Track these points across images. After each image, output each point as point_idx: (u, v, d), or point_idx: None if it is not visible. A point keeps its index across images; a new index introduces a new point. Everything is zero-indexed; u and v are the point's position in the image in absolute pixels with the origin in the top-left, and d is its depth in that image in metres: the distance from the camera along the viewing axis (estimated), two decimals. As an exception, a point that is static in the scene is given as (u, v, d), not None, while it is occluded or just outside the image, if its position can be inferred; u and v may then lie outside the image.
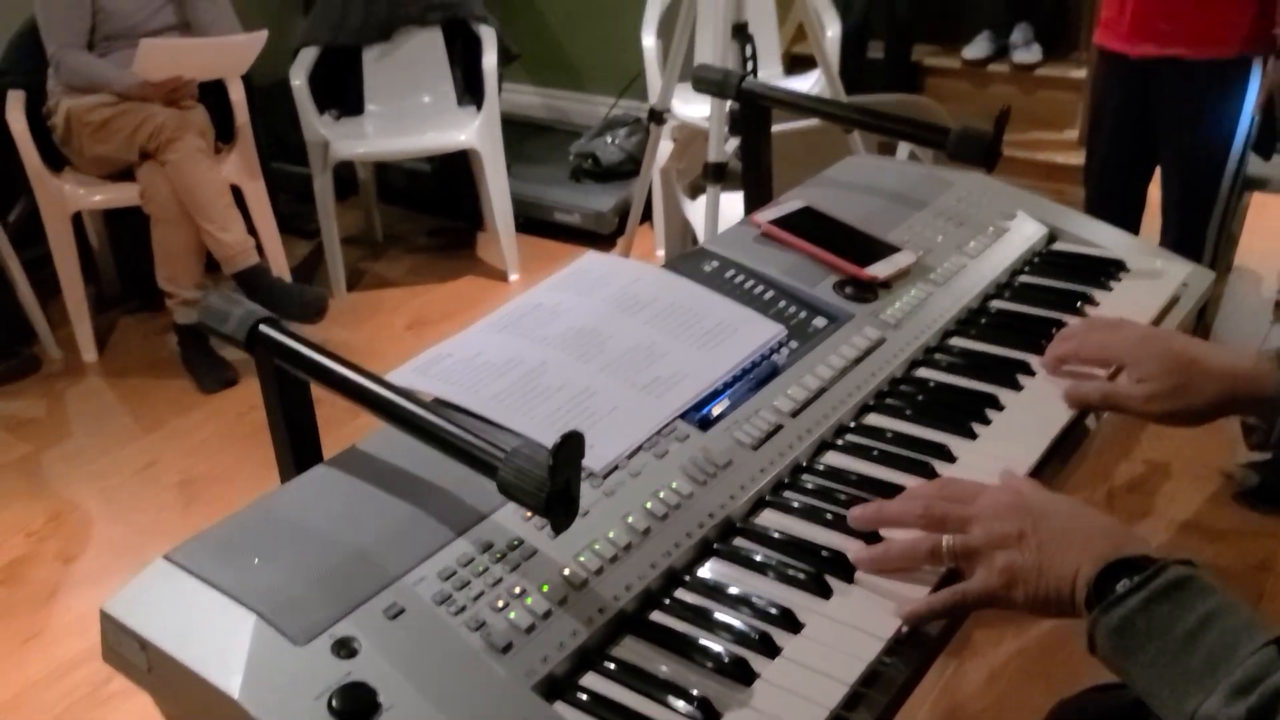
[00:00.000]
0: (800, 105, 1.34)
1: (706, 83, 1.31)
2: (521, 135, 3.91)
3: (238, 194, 2.87)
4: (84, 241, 3.09)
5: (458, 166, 3.59)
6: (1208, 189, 2.40)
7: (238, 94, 2.95)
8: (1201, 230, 2.44)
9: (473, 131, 3.23)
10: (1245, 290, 3.08)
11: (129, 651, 0.72)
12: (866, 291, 1.11)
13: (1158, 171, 2.49)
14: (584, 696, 0.71)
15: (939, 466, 0.91)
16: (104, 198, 2.89)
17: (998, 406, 0.98)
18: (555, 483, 0.69)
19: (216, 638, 0.70)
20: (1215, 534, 2.19)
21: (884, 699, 0.72)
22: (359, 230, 3.72)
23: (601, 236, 3.54)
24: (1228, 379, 0.91)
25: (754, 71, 2.15)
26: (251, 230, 2.86)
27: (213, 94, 2.93)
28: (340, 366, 0.82)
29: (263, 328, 0.87)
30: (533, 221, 3.56)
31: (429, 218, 3.86)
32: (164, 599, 0.73)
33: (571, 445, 0.70)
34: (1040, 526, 0.74)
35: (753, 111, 1.31)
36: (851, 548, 0.82)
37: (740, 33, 2.11)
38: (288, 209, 3.38)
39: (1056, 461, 0.94)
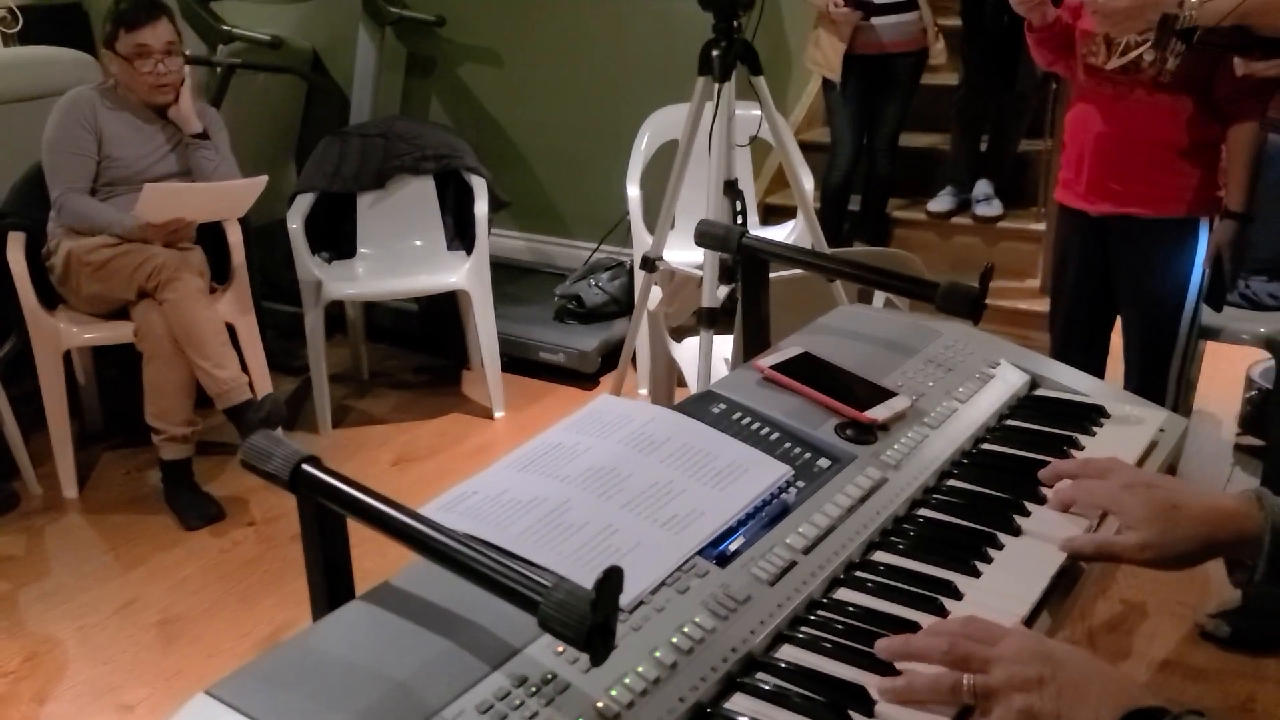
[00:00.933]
0: (799, 260, 1.43)
1: (709, 238, 1.40)
2: (507, 277, 4.03)
3: (230, 331, 2.92)
4: (70, 377, 3.11)
5: (444, 306, 3.68)
6: (1166, 337, 2.51)
7: (235, 236, 3.04)
8: (1162, 376, 2.54)
9: (463, 274, 3.33)
10: (1206, 433, 3.19)
11: (173, 787, 0.74)
12: (866, 434, 1.17)
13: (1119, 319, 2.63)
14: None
15: (947, 603, 0.95)
16: (97, 335, 2.93)
17: (997, 545, 1.03)
18: (597, 617, 0.73)
19: (263, 772, 0.71)
20: (1196, 673, 2.21)
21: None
22: (345, 367, 3.78)
23: (585, 375, 3.61)
24: (1209, 523, 0.93)
25: (745, 224, 2.28)
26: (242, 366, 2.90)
27: (209, 235, 3.02)
28: (383, 505, 0.86)
29: (305, 467, 0.91)
30: (517, 360, 3.64)
31: (415, 355, 3.93)
32: (207, 734, 0.75)
33: (612, 581, 0.74)
34: (1060, 674, 0.76)
35: (753, 264, 1.39)
36: (869, 682, 0.85)
37: (731, 188, 2.25)
38: (274, 346, 3.44)
39: (1058, 595, 0.99)
